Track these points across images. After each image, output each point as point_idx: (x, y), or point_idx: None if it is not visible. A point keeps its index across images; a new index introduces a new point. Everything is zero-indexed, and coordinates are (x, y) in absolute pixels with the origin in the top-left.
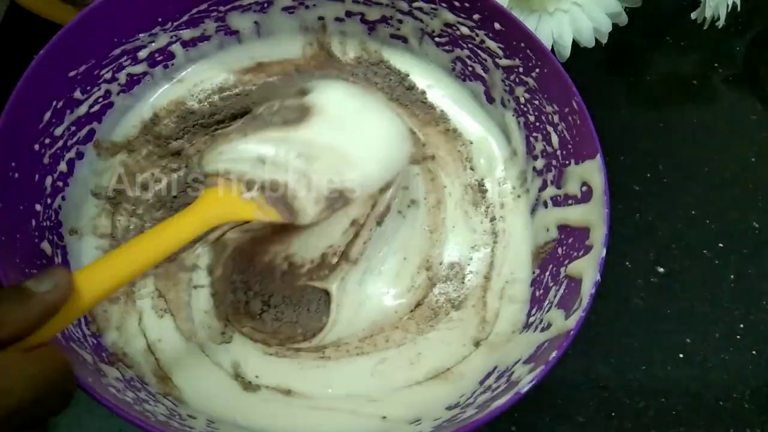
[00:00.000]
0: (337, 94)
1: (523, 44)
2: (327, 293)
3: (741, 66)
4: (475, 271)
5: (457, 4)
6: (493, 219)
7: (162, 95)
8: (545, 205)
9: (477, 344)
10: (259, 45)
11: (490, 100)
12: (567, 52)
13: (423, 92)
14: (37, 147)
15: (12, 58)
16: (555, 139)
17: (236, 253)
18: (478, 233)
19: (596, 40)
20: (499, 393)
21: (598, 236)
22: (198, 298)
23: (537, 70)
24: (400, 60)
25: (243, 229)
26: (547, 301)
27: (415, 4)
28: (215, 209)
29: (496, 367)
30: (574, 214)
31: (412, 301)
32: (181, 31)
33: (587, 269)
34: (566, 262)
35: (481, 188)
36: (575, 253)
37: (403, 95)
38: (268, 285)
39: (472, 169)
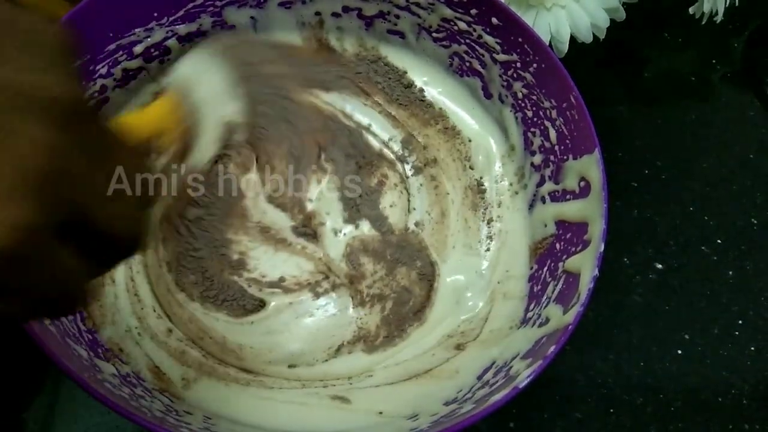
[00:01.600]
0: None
1: (520, 39)
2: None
3: (739, 63)
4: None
5: None
6: (490, 221)
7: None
8: (543, 200)
9: (459, 347)
10: None
11: (488, 95)
12: (565, 47)
13: (421, 90)
14: None
15: None
16: (553, 134)
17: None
18: (474, 248)
19: (594, 35)
20: (497, 388)
21: (596, 231)
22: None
23: (535, 65)
24: (397, 56)
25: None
26: (545, 297)
27: None
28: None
29: (494, 362)
30: (572, 209)
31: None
32: (177, 26)
33: (585, 264)
34: (564, 257)
35: (480, 188)
36: (573, 248)
37: (402, 95)
38: (212, 262)
39: (471, 168)
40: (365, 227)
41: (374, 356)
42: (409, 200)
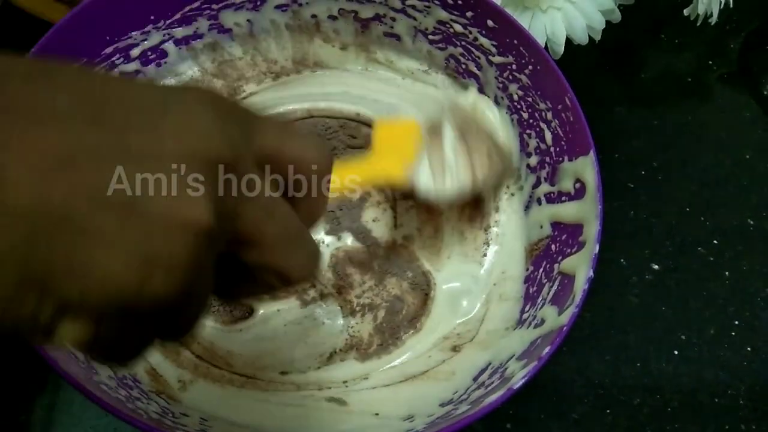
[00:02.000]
0: None
1: (516, 41)
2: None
3: (735, 64)
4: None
5: (450, 1)
6: (488, 227)
7: None
8: (539, 202)
9: (455, 349)
10: (252, 44)
11: None
12: (560, 49)
13: None
14: None
15: None
16: (548, 136)
17: None
18: (470, 255)
19: (590, 37)
20: (492, 389)
21: (591, 232)
22: None
23: (530, 67)
24: (395, 59)
25: None
26: (540, 298)
27: (408, 2)
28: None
29: (489, 364)
30: (567, 211)
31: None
32: (174, 29)
33: (580, 265)
34: (560, 258)
35: (478, 196)
36: (569, 250)
37: None
38: None
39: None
40: (348, 239)
41: (368, 364)
42: (395, 217)
